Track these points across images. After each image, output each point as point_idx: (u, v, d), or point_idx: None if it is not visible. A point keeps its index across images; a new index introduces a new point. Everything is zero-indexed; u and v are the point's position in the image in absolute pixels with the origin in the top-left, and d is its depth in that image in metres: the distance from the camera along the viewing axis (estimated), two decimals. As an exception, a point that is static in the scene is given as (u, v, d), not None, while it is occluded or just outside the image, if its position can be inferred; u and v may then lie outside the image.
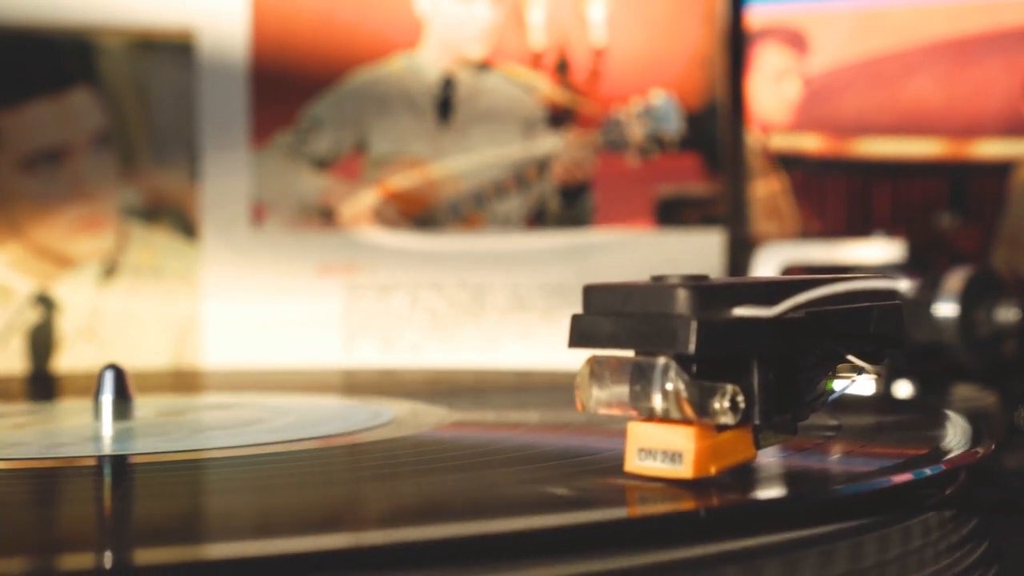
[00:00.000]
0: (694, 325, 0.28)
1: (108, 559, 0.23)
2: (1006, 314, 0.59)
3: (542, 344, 0.74)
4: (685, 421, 0.29)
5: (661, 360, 0.28)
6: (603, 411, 0.30)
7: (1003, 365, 0.62)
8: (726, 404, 0.28)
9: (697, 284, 0.28)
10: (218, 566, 0.23)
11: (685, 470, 0.29)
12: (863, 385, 0.32)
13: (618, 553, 0.26)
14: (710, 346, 0.28)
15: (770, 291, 0.29)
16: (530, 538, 0.25)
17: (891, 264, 0.67)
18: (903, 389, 0.60)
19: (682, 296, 0.28)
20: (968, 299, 0.59)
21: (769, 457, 0.32)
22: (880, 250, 0.68)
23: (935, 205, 0.77)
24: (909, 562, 0.30)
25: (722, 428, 0.29)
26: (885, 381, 0.60)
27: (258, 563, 0.23)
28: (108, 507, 0.31)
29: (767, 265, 0.70)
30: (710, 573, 0.26)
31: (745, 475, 0.30)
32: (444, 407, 0.47)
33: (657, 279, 0.29)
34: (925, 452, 0.34)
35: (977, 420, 0.39)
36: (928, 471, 0.31)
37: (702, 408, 0.28)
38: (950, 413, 0.41)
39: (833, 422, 0.39)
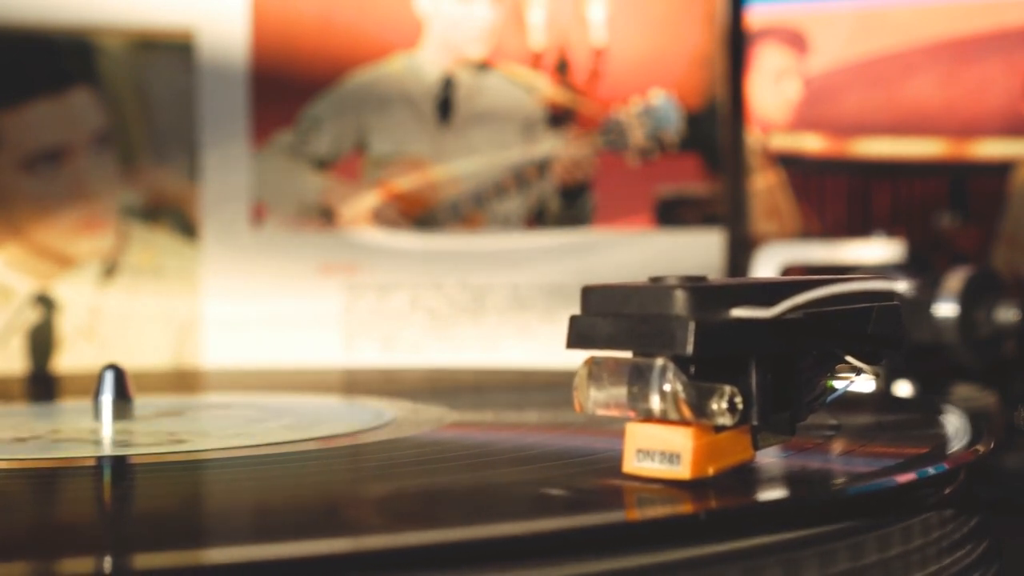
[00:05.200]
0: (692, 326, 0.28)
1: (108, 563, 0.23)
2: (1006, 314, 0.59)
3: (542, 344, 0.74)
4: (683, 422, 0.29)
5: (659, 361, 0.28)
6: (601, 412, 0.30)
7: (1003, 365, 0.62)
8: (724, 405, 0.28)
9: (695, 285, 0.28)
10: (218, 570, 0.23)
11: (683, 471, 0.29)
12: (863, 384, 0.32)
13: (617, 555, 0.26)
14: (708, 347, 0.28)
15: (768, 292, 0.29)
16: (529, 541, 0.25)
17: (891, 264, 0.67)
18: (903, 389, 0.60)
19: (680, 297, 0.28)
20: (968, 299, 0.59)
21: (768, 457, 0.32)
22: (880, 250, 0.68)
23: (935, 205, 0.77)
24: (909, 561, 0.30)
25: (720, 429, 0.29)
26: (885, 381, 0.60)
27: (258, 567, 0.23)
28: (108, 507, 0.31)
29: (767, 265, 0.70)
30: (709, 574, 0.26)
31: (744, 475, 0.30)
32: (444, 407, 0.47)
33: (655, 280, 0.29)
34: (926, 451, 0.34)
35: (977, 419, 0.39)
36: (931, 470, 0.31)
37: (700, 409, 0.28)
38: (950, 412, 0.41)
39: (833, 421, 0.39)
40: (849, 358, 0.31)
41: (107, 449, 0.39)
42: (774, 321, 0.29)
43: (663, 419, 0.29)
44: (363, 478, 0.35)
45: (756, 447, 0.30)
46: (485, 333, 0.73)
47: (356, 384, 0.64)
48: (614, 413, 0.30)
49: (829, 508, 0.29)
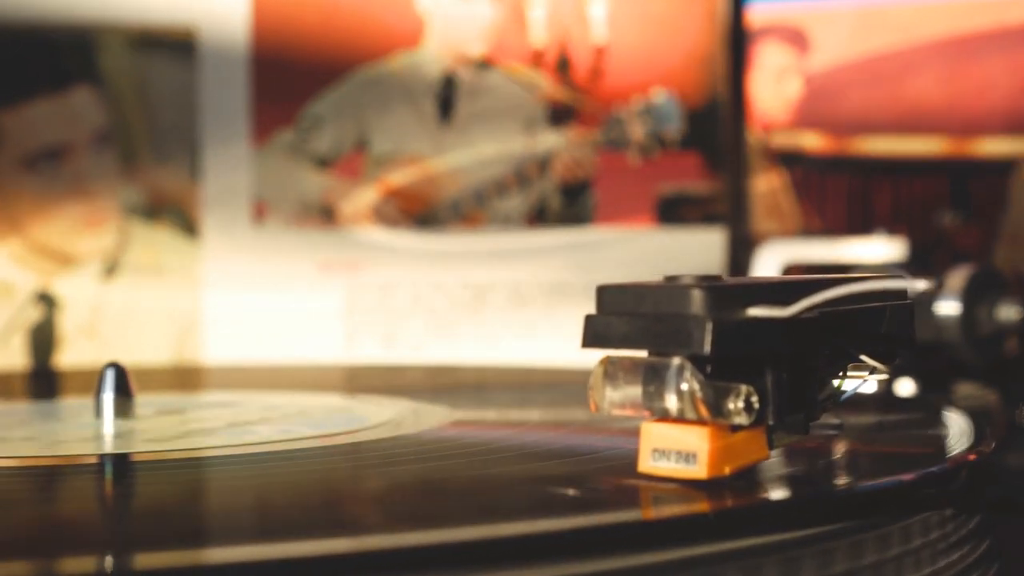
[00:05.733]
0: (709, 326, 0.27)
1: (109, 562, 0.23)
2: (1008, 312, 0.59)
3: (543, 342, 0.74)
4: (699, 422, 0.28)
5: (675, 360, 0.28)
6: (616, 412, 0.30)
7: (1005, 363, 0.62)
8: (740, 404, 0.28)
9: (712, 284, 0.28)
10: (219, 570, 0.23)
11: (699, 470, 0.28)
12: (866, 383, 0.32)
13: (632, 553, 0.26)
14: (725, 346, 0.28)
15: (783, 291, 0.29)
16: (543, 540, 0.25)
17: (892, 262, 0.67)
18: (905, 387, 0.60)
19: (697, 296, 0.28)
20: (970, 297, 0.59)
21: (772, 456, 0.32)
22: (881, 248, 0.68)
23: (936, 203, 0.77)
24: (909, 561, 0.30)
25: (736, 428, 0.29)
26: (887, 380, 0.60)
27: (258, 567, 0.23)
28: (109, 506, 0.31)
29: (768, 264, 0.70)
30: (715, 571, 0.26)
31: (749, 475, 0.30)
32: (446, 405, 0.47)
33: (670, 279, 0.29)
34: (928, 451, 0.34)
35: (979, 418, 0.39)
36: (935, 469, 0.31)
37: (717, 408, 0.28)
38: (952, 411, 0.41)
39: (835, 420, 0.39)
40: (863, 357, 0.31)
41: (108, 447, 0.39)
42: (790, 320, 0.29)
43: (679, 419, 0.29)
44: (364, 476, 0.34)
45: (771, 447, 0.30)
46: (486, 331, 0.73)
47: (357, 382, 0.64)
48: (629, 413, 0.29)
49: (836, 507, 0.29)
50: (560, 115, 0.75)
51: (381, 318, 0.72)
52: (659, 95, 0.76)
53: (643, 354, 0.29)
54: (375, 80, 0.73)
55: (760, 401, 0.28)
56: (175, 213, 0.71)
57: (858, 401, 0.44)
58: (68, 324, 0.69)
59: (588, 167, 0.75)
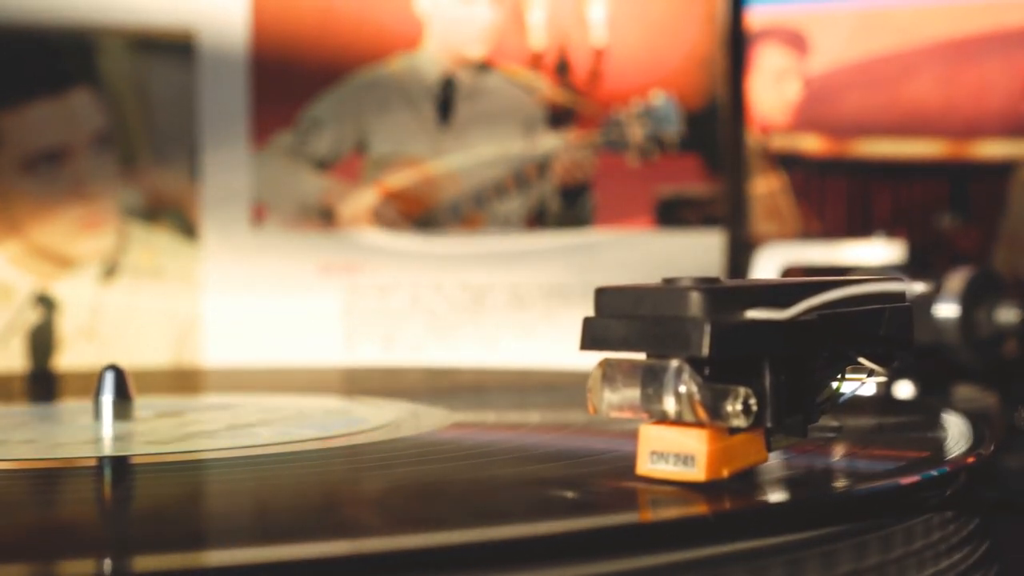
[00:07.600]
0: (708, 328, 0.27)
1: (108, 565, 0.23)
2: (1007, 314, 0.59)
3: (542, 343, 0.74)
4: (697, 424, 0.28)
5: (674, 363, 0.28)
6: (615, 414, 0.29)
7: (1004, 366, 0.62)
8: (739, 407, 0.28)
9: (710, 286, 0.28)
10: (217, 572, 0.23)
11: (698, 473, 0.28)
12: (864, 386, 0.32)
13: (630, 556, 0.25)
14: (723, 349, 0.28)
15: (782, 293, 0.29)
16: (542, 543, 0.25)
17: (892, 265, 0.67)
18: (904, 389, 0.60)
19: (695, 299, 0.28)
20: (969, 299, 0.59)
21: (771, 459, 0.32)
22: (880, 251, 0.68)
23: (936, 206, 0.77)
24: (910, 563, 0.30)
25: (734, 431, 0.29)
26: (886, 382, 0.60)
27: (257, 569, 0.23)
28: (108, 508, 0.31)
29: (767, 266, 0.70)
30: (713, 573, 0.26)
31: (747, 477, 0.30)
32: (445, 407, 0.47)
33: (669, 281, 0.29)
34: (927, 454, 0.34)
35: (978, 421, 0.39)
36: (934, 472, 0.31)
37: (715, 411, 0.28)
38: (951, 414, 0.41)
39: (834, 423, 0.39)
40: (861, 359, 0.31)
41: (107, 449, 0.39)
42: (788, 323, 0.29)
43: (677, 421, 0.29)
44: (363, 478, 0.34)
45: (770, 449, 0.30)
46: (485, 333, 0.73)
47: (356, 384, 0.64)
48: (627, 415, 0.29)
49: (835, 510, 0.29)
50: (559, 117, 0.75)
51: (380, 320, 0.72)
52: (658, 97, 0.76)
53: (641, 356, 0.29)
54: (374, 82, 0.73)
55: (758, 403, 0.28)
56: (174, 215, 0.71)
57: (857, 403, 0.44)
58: (67, 326, 0.69)
59: (587, 169, 0.75)
